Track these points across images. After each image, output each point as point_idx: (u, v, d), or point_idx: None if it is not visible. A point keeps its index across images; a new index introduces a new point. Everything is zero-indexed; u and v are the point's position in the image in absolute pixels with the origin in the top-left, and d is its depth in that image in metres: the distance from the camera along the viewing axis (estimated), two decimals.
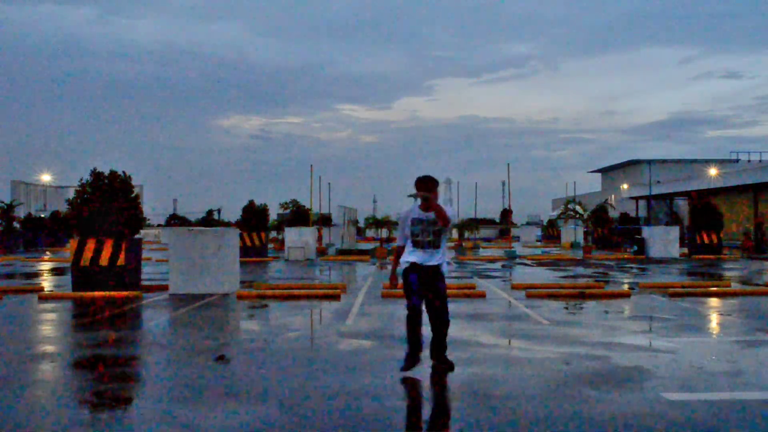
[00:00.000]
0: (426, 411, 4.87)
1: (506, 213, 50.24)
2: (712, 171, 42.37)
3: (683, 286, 13.12)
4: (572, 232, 38.04)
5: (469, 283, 13.84)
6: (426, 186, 5.69)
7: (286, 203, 35.54)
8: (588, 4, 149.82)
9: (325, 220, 38.03)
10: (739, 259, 24.22)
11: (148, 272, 16.01)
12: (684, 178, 49.68)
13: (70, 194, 14.56)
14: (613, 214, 38.02)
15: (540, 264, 21.50)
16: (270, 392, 5.16)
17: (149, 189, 51.53)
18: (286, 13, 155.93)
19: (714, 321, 9.22)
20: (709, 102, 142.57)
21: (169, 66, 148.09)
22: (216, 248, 12.43)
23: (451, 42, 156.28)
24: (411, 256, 5.73)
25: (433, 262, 5.70)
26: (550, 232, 45.48)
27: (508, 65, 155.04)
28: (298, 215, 31.43)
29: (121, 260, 12.16)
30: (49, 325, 9.12)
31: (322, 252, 27.93)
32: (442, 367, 5.75)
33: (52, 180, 58.87)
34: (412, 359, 5.70)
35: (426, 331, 5.78)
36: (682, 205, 50.19)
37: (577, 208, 33.07)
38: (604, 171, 74.26)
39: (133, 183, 13.07)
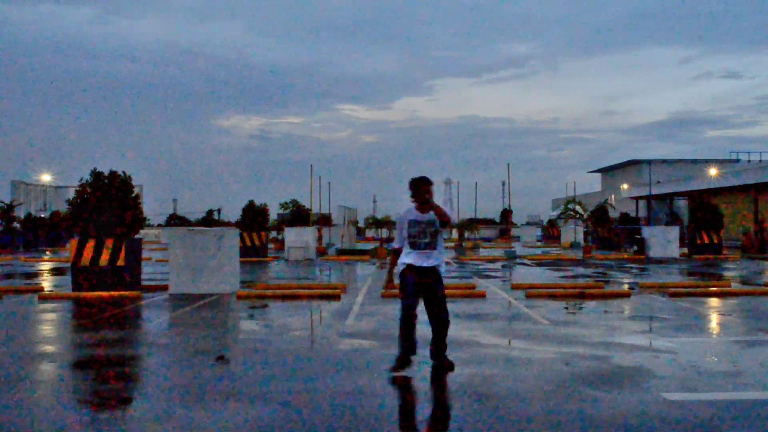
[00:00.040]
0: (426, 411, 4.87)
1: (506, 213, 50.26)
2: (712, 171, 42.38)
3: (683, 286, 13.12)
4: (572, 232, 38.05)
5: (469, 283, 13.84)
6: (419, 187, 5.68)
7: (286, 203, 35.57)
8: (588, 4, 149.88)
9: (325, 220, 38.03)
10: (739, 259, 24.22)
11: (148, 272, 16.00)
12: (684, 178, 49.70)
13: (70, 194, 14.55)
14: (613, 214, 38.01)
15: (540, 264, 21.50)
16: (270, 392, 5.15)
17: (149, 189, 51.55)
18: (286, 13, 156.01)
19: (714, 321, 9.22)
20: (709, 102, 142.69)
21: (169, 66, 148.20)
22: (216, 248, 12.43)
23: (451, 42, 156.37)
24: (408, 257, 5.74)
25: (430, 263, 5.71)
26: (550, 232, 45.49)
27: (508, 65, 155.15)
28: (298, 215, 31.45)
29: (121, 260, 12.16)
30: (49, 325, 9.12)
31: (322, 252, 27.93)
32: (443, 367, 5.75)
33: (52, 180, 58.91)
34: (402, 360, 5.72)
35: (423, 332, 5.78)
36: (682, 205, 50.21)
37: (577, 208, 33.05)
38: (604, 171, 74.26)
39: (133, 183, 13.07)
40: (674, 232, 25.99)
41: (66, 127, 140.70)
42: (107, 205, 12.35)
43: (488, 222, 64.30)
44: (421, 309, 5.82)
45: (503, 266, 20.40)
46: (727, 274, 17.32)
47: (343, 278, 16.01)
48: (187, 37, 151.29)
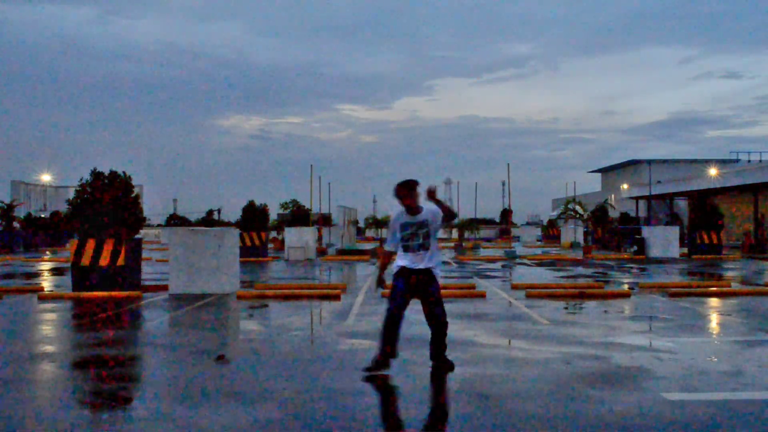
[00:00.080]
0: (426, 411, 4.87)
1: (506, 213, 50.27)
2: (712, 171, 42.32)
3: (683, 286, 13.12)
4: (572, 232, 38.03)
5: (469, 283, 13.84)
6: (404, 190, 5.63)
7: (286, 203, 35.59)
8: (588, 4, 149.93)
9: (325, 220, 38.03)
10: (739, 259, 24.21)
11: (148, 272, 16.00)
12: (684, 178, 49.65)
13: (70, 194, 14.54)
14: (613, 214, 38.03)
15: (540, 264, 21.50)
16: (270, 392, 5.15)
17: (149, 189, 51.50)
18: (286, 13, 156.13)
19: (714, 321, 9.22)
20: (709, 102, 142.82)
21: (169, 66, 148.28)
22: (216, 248, 12.43)
23: (451, 42, 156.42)
24: (401, 260, 5.72)
25: (424, 265, 5.66)
26: (550, 232, 45.50)
27: (508, 65, 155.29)
28: (298, 215, 31.46)
29: (121, 260, 12.16)
30: (49, 325, 9.12)
31: (322, 252, 27.93)
32: (443, 367, 5.74)
33: (52, 180, 58.90)
34: (378, 362, 5.67)
35: (424, 331, 5.77)
36: (682, 205, 50.19)
37: (577, 208, 33.08)
38: (604, 171, 74.22)
39: (133, 183, 13.07)
40: (674, 232, 25.99)
41: (66, 127, 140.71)
42: (107, 205, 12.35)
43: (488, 222, 64.35)
44: (418, 309, 5.82)
45: (503, 266, 20.39)
46: (727, 274, 17.32)
47: (343, 278, 16.01)
48: (187, 37, 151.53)
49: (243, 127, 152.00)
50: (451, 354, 5.90)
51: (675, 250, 25.13)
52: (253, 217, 25.24)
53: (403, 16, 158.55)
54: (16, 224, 34.15)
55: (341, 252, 26.91)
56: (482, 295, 11.61)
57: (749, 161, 57.19)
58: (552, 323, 8.58)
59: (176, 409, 4.76)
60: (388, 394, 5.21)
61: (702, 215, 25.78)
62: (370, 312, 9.70)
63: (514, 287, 12.94)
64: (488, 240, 47.34)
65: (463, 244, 30.65)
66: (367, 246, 31.49)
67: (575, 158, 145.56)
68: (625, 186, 58.85)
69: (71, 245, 12.48)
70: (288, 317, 9.37)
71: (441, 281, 5.93)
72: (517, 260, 23.27)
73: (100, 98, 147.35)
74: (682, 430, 4.22)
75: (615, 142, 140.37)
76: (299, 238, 24.52)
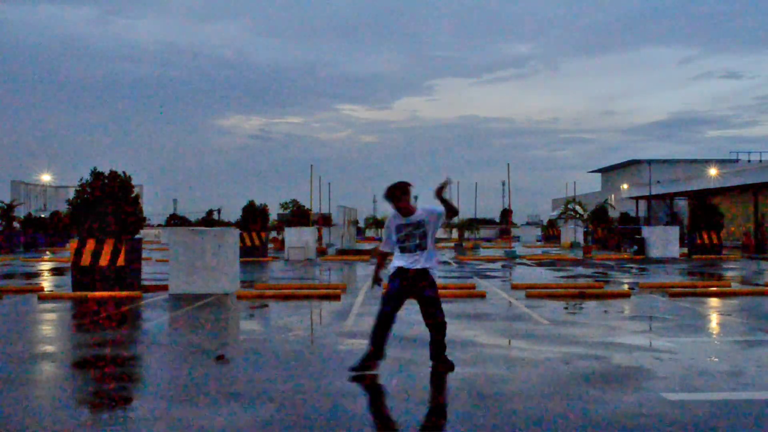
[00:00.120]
0: (426, 411, 4.87)
1: (506, 213, 50.26)
2: (712, 171, 42.30)
3: (683, 286, 13.13)
4: (572, 232, 37.97)
5: (469, 283, 13.84)
6: (396, 192, 5.60)
7: (286, 203, 35.61)
8: (588, 4, 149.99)
9: (325, 220, 38.03)
10: (739, 259, 24.21)
11: (148, 272, 16.00)
12: (684, 178, 49.64)
13: (70, 194, 14.55)
14: (613, 214, 38.00)
15: (540, 264, 21.50)
16: (270, 392, 5.15)
17: (149, 189, 51.53)
18: (286, 13, 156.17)
19: (714, 321, 9.22)
20: (709, 102, 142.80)
21: (169, 66, 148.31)
22: (216, 248, 12.43)
23: (451, 42, 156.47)
24: (398, 260, 5.71)
25: (420, 265, 5.62)
26: (550, 232, 45.49)
27: (508, 65, 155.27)
28: (298, 215, 31.46)
29: (121, 260, 12.16)
30: (49, 325, 9.12)
31: (322, 252, 27.92)
32: (443, 368, 5.74)
33: (52, 180, 58.95)
34: (365, 362, 5.65)
35: (424, 330, 5.77)
36: (682, 205, 50.18)
37: (577, 208, 33.05)
38: (604, 171, 74.21)
39: (133, 183, 13.07)
40: (674, 232, 25.99)
41: (66, 127, 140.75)
42: (107, 205, 12.35)
43: (488, 222, 64.31)
44: (418, 309, 5.82)
45: (503, 266, 20.40)
46: (727, 274, 17.32)
47: (343, 278, 16.01)
48: (187, 37, 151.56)
49: (243, 127, 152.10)
50: (451, 354, 5.89)
51: (675, 250, 25.13)
52: (253, 217, 25.24)
53: (403, 16, 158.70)
54: (16, 224, 34.14)
55: (341, 252, 26.92)
56: (482, 295, 11.61)
57: (749, 161, 57.17)
58: (552, 323, 8.58)
59: (176, 409, 4.76)
60: (388, 394, 5.21)
61: (702, 215, 25.77)
62: (370, 312, 9.68)
63: (514, 287, 12.94)
64: (488, 240, 47.34)
65: (463, 244, 30.64)
66: (367, 246, 31.49)
67: (575, 158, 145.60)
68: (625, 186, 58.84)
69: (71, 245, 12.48)
70: (288, 317, 9.37)
71: (441, 281, 5.93)
72: (517, 260, 23.27)
73: (100, 98, 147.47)
74: (682, 430, 4.22)
75: (615, 142, 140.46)
76: (299, 238, 24.52)
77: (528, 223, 60.82)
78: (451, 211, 5.69)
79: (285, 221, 32.35)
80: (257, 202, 26.01)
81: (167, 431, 4.29)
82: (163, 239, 39.10)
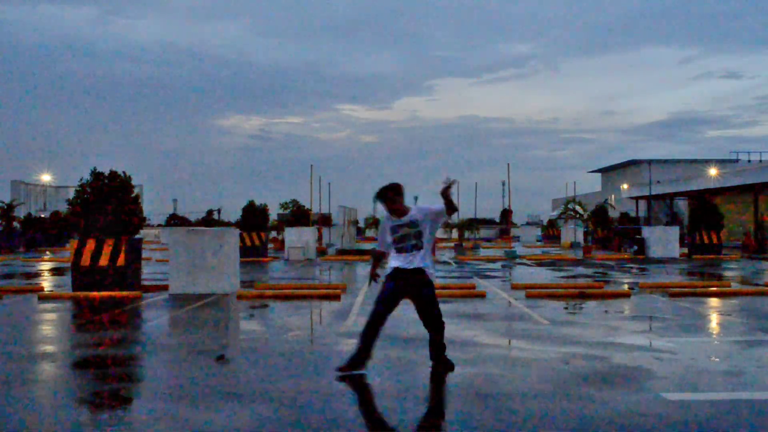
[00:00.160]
0: (427, 411, 4.87)
1: (506, 213, 50.22)
2: (712, 171, 42.30)
3: (683, 286, 13.13)
4: (572, 232, 37.96)
5: (469, 283, 13.83)
6: (389, 194, 5.59)
7: (286, 203, 35.60)
8: (588, 4, 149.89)
9: (325, 220, 38.02)
10: (739, 259, 24.22)
11: (148, 272, 16.01)
12: (684, 178, 49.63)
13: (70, 194, 14.56)
14: (613, 214, 38.03)
15: (540, 264, 21.50)
16: (270, 392, 5.15)
17: (149, 189, 51.52)
18: (286, 13, 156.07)
19: (714, 321, 9.22)
20: (709, 102, 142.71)
21: (169, 66, 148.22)
22: (216, 248, 12.43)
23: (451, 42, 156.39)
24: (394, 261, 5.69)
25: (415, 265, 5.58)
26: (550, 232, 45.48)
27: (508, 65, 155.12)
28: (298, 215, 31.45)
29: (121, 260, 12.16)
30: (49, 325, 9.12)
31: (322, 252, 27.92)
32: (442, 368, 5.74)
33: (52, 180, 58.95)
34: (353, 362, 5.62)
35: (424, 330, 5.77)
36: (682, 205, 50.20)
37: (577, 208, 33.05)
38: (604, 171, 74.24)
39: (133, 183, 13.07)
40: (674, 232, 25.99)
41: (66, 127, 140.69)
42: (107, 205, 12.35)
43: (488, 222, 64.26)
44: (411, 310, 5.81)
45: (503, 266, 20.40)
46: (727, 274, 17.32)
47: (343, 278, 16.01)
48: (187, 37, 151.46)
49: (243, 127, 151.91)
50: (451, 354, 5.89)
51: (675, 250, 25.13)
52: (253, 217, 25.24)
53: (403, 16, 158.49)
54: (16, 224, 34.14)
55: (341, 252, 26.91)
56: (482, 295, 11.61)
57: (749, 161, 57.20)
58: (552, 323, 8.58)
59: (176, 409, 4.76)
60: (387, 394, 5.21)
61: (702, 215, 25.78)
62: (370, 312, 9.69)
63: (514, 287, 12.94)
64: (488, 240, 47.32)
65: (463, 244, 30.62)
66: (367, 246, 31.49)
67: (575, 158, 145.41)
68: (625, 186, 58.84)
69: (71, 245, 12.48)
70: (288, 317, 9.37)
71: (441, 281, 5.93)
72: (517, 260, 23.27)
73: (100, 98, 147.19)
74: (682, 430, 4.22)
75: (615, 142, 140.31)
76: (299, 238, 24.52)
77: (528, 223, 60.82)
78: (451, 208, 5.68)
79: (285, 221, 32.34)
80: (257, 202, 26.02)
81: (167, 431, 4.30)
82: (163, 239, 39.10)
